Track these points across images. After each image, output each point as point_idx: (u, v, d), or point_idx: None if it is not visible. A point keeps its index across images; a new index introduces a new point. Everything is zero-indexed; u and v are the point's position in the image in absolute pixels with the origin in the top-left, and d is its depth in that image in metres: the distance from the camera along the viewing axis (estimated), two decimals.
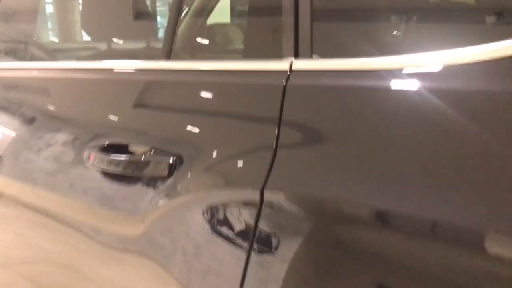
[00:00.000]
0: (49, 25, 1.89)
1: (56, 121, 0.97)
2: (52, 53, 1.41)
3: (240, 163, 0.64)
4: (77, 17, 1.92)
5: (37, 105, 1.05)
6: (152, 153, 0.75)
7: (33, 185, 0.98)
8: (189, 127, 0.73)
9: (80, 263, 0.89)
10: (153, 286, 0.74)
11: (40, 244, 1.04)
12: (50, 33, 1.99)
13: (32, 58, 1.26)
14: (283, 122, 0.60)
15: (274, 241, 0.58)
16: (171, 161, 0.71)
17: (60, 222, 0.94)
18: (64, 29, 1.68)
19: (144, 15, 1.16)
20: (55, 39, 1.93)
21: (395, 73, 0.55)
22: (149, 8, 1.23)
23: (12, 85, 1.14)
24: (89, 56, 1.27)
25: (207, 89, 0.73)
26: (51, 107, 1.01)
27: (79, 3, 1.70)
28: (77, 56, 1.44)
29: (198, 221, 0.66)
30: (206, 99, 0.73)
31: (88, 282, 0.89)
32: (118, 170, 0.78)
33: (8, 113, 1.09)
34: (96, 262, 0.85)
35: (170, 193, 0.71)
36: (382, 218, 0.51)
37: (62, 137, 0.92)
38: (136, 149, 0.77)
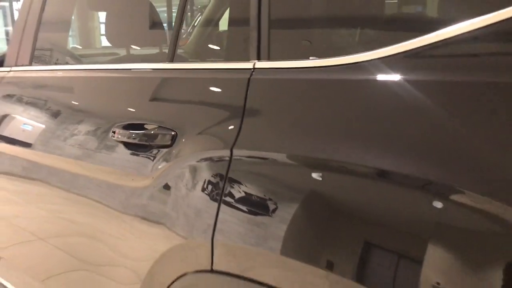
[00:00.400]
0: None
1: (89, 109, 1.28)
2: (90, 58, 1.72)
3: (218, 131, 0.93)
4: (96, 25, 2.24)
5: (80, 97, 1.36)
6: (158, 129, 1.04)
7: (67, 163, 1.28)
8: (184, 109, 1.02)
9: (104, 232, 1.18)
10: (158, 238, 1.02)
11: (71, 218, 1.32)
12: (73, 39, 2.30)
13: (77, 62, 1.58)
14: (247, 103, 0.89)
15: (239, 186, 0.86)
16: (172, 134, 1.01)
17: (87, 197, 1.23)
18: (87, 36, 1.99)
19: (157, 26, 1.45)
20: (78, 45, 2.25)
21: (321, 69, 0.83)
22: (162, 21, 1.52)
23: (66, 84, 1.45)
24: (115, 60, 1.58)
25: (197, 82, 1.03)
26: (89, 98, 1.32)
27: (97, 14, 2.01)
28: (104, 60, 1.74)
29: (188, 174, 0.95)
30: (196, 88, 1.02)
31: (110, 250, 1.17)
32: (136, 141, 1.07)
33: (57, 104, 1.40)
34: (117, 229, 1.14)
35: (171, 158, 1.00)
36: (322, 169, 0.78)
37: (93, 120, 1.23)
38: (148, 126, 1.07)
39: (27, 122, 1.48)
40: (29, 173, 1.46)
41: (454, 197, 0.63)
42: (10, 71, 1.60)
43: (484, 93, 0.66)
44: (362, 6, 0.93)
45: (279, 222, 0.79)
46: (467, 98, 0.67)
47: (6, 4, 16.85)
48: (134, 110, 1.15)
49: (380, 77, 0.75)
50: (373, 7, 0.95)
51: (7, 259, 1.68)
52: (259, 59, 0.93)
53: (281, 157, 0.83)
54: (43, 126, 1.40)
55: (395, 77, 0.74)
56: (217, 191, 0.89)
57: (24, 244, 1.56)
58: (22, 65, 1.57)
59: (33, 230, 1.49)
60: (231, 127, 0.90)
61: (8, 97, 1.57)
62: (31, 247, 1.52)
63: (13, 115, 1.52)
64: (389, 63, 0.75)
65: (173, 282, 0.97)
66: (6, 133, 1.52)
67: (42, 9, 1.56)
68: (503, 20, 0.64)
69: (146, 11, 1.42)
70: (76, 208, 1.28)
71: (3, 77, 1.60)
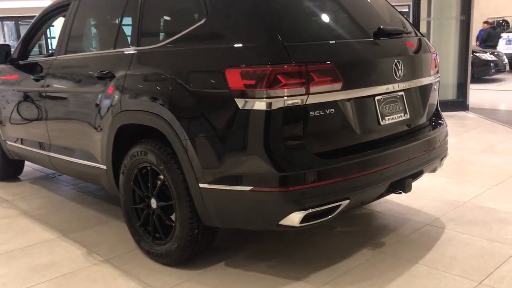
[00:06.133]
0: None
1: (85, 66, 3.30)
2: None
3: (122, 67, 2.90)
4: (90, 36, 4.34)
5: (81, 62, 3.39)
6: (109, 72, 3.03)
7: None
8: (112, 64, 3.00)
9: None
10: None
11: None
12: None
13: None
14: (131, 62, 2.87)
15: (128, 87, 2.84)
16: (112, 72, 3.00)
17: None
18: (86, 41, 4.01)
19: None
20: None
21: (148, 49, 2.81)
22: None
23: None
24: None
25: (105, 59, 3.03)
26: (83, 62, 3.35)
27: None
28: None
29: (116, 84, 2.94)
30: (119, 57, 3.01)
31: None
32: (102, 75, 3.07)
33: (72, 67, 3.44)
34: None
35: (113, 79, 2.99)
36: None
37: (85, 70, 3.23)
38: (105, 70, 3.05)
39: (60, 77, 3.52)
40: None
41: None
42: (56, 58, 3.63)
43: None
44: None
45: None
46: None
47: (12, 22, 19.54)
48: (102, 64, 3.14)
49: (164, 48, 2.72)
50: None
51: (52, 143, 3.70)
52: (138, 46, 2.91)
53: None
54: (66, 76, 3.43)
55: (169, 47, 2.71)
56: (121, 86, 2.87)
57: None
58: (60, 55, 3.61)
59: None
60: (127, 63, 2.88)
61: (56, 68, 3.60)
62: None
63: (57, 74, 3.56)
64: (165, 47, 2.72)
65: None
66: (55, 81, 3.56)
67: (70, 28, 3.58)
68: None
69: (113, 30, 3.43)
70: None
71: (54, 60, 3.64)
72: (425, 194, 3.85)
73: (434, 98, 3.10)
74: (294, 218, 2.27)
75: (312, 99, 2.26)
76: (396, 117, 2.71)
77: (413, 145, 2.73)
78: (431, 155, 2.88)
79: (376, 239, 3.08)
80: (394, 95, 2.70)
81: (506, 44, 14.96)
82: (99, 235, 3.33)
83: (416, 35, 3.07)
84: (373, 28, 2.68)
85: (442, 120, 3.17)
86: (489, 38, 14.77)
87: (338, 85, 2.35)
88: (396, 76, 2.64)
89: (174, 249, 2.69)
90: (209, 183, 2.42)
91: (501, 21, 19.27)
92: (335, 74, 2.33)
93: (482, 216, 3.40)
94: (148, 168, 2.80)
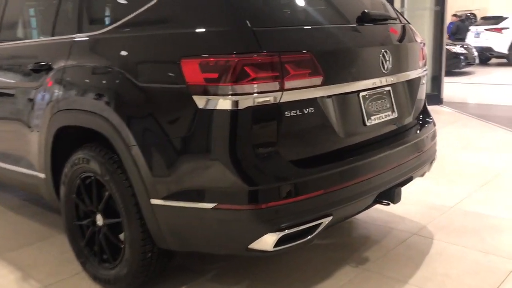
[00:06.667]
0: None
1: (19, 56, 2.80)
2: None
3: (61, 58, 2.43)
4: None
5: (15, 52, 2.88)
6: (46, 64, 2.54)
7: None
8: (52, 54, 2.52)
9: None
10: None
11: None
12: None
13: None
14: (71, 48, 2.40)
15: (67, 77, 2.37)
16: (49, 64, 2.51)
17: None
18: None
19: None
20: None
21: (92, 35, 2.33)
22: None
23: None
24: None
25: (40, 49, 2.54)
26: (19, 52, 2.84)
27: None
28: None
29: (58, 74, 2.45)
30: (59, 45, 2.53)
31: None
32: (36, 67, 2.58)
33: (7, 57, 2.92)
34: None
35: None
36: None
37: (22, 61, 2.73)
38: (41, 61, 2.56)
39: None
40: None
41: None
42: None
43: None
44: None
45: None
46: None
47: None
48: (37, 54, 2.66)
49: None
50: None
51: None
52: (78, 32, 2.43)
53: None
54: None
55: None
56: (59, 80, 2.39)
57: None
58: None
59: None
60: (66, 53, 2.40)
61: None
62: None
63: None
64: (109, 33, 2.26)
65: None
66: None
67: (2, 13, 3.06)
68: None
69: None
70: None
71: None
72: (408, 198, 3.48)
73: (422, 94, 2.75)
74: (267, 241, 1.87)
75: (287, 97, 1.85)
76: (384, 116, 2.33)
77: (403, 148, 2.37)
78: (421, 159, 2.53)
79: (358, 253, 2.72)
80: (380, 90, 2.32)
81: (475, 37, 14.93)
82: (40, 254, 2.85)
83: (401, 22, 2.70)
84: (356, 12, 2.29)
85: (431, 119, 2.82)
86: (458, 31, 14.71)
87: (318, 80, 1.95)
88: (384, 69, 2.26)
89: (124, 274, 2.25)
90: (163, 198, 1.99)
91: (469, 14, 19.38)
92: (314, 66, 1.93)
93: (472, 223, 3.08)
94: (92, 178, 2.34)
